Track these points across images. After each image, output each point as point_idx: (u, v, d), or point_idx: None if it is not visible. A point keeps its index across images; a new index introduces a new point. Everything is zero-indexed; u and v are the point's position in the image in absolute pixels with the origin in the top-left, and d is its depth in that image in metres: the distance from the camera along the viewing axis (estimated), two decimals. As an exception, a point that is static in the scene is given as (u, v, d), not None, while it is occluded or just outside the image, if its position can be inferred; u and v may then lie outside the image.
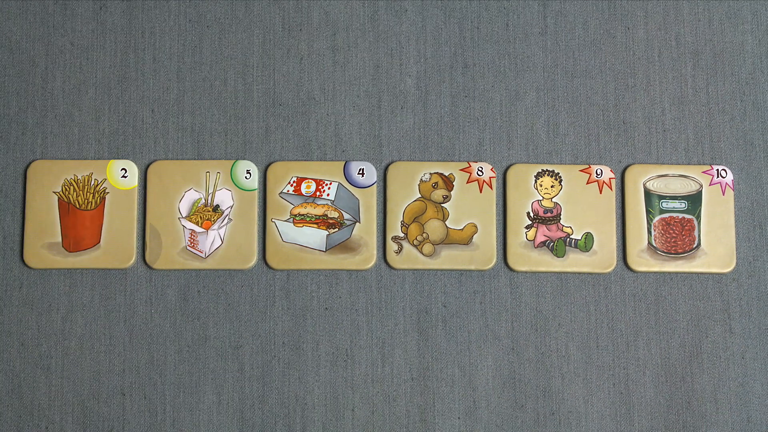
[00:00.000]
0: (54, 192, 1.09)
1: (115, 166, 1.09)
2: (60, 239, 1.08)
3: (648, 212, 1.09)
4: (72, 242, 1.08)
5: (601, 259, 1.08)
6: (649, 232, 1.09)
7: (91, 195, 1.09)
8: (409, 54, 1.12)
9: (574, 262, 1.08)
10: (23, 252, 1.08)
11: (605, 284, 1.09)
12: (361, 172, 1.10)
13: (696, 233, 1.09)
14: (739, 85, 1.12)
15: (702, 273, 1.09)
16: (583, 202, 1.09)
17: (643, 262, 1.08)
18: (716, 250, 1.09)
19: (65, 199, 1.09)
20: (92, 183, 1.09)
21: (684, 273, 1.09)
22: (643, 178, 1.10)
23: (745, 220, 1.10)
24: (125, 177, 1.09)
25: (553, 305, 1.08)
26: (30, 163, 1.10)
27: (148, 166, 1.10)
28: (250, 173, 1.09)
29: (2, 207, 1.09)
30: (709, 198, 1.09)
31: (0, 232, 1.09)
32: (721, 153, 1.11)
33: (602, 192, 1.09)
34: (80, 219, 1.08)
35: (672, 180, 1.10)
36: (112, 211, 1.08)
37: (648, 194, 1.09)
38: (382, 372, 1.07)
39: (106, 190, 1.09)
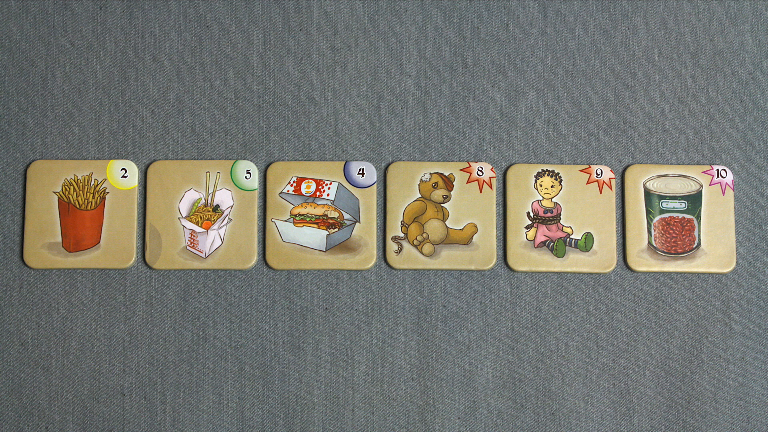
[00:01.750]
0: (54, 192, 1.09)
1: (115, 166, 1.09)
2: (60, 239, 1.08)
3: (648, 212, 1.09)
4: (72, 242, 1.08)
5: (601, 259, 1.08)
6: (649, 232, 1.09)
7: (91, 195, 1.09)
8: (409, 54, 1.12)
9: (574, 262, 1.08)
10: (23, 252, 1.08)
11: (605, 284, 1.09)
12: (361, 172, 1.10)
13: (696, 233, 1.09)
14: (739, 85, 1.12)
15: (702, 273, 1.09)
16: (583, 202, 1.09)
17: (643, 262, 1.08)
18: (716, 250, 1.09)
19: (65, 199, 1.08)
20: (92, 183, 1.09)
21: (684, 273, 1.09)
22: (643, 178, 1.10)
23: (745, 220, 1.10)
24: (125, 177, 1.09)
25: (553, 305, 1.08)
26: (30, 163, 1.10)
27: (148, 166, 1.10)
28: (250, 173, 1.09)
29: (2, 207, 1.09)
30: (709, 198, 1.09)
31: (0, 232, 1.09)
32: (721, 153, 1.11)
33: (602, 192, 1.09)
34: (80, 219, 1.08)
35: (672, 180, 1.10)
36: (112, 211, 1.08)
37: (648, 194, 1.09)
38: (382, 372, 1.07)
39: (106, 190, 1.09)
